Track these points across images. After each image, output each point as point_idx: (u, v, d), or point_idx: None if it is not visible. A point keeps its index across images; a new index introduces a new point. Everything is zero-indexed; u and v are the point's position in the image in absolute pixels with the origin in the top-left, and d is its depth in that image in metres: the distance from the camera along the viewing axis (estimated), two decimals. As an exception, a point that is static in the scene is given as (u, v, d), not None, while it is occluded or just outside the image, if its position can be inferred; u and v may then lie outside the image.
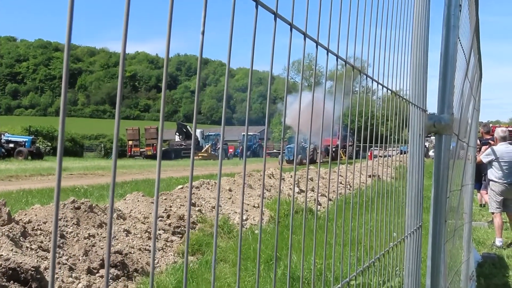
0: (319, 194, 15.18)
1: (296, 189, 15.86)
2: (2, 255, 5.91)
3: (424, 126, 2.39)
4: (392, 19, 1.94)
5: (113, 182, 0.67)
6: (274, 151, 64.77)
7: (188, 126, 71.56)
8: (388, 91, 1.90)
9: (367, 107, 1.74)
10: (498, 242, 10.56)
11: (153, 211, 0.67)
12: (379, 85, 1.75)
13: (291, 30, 1.03)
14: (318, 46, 1.17)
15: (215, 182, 14.15)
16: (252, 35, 0.92)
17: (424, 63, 2.44)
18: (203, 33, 0.78)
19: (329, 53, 1.24)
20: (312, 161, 37.24)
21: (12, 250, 6.23)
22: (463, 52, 3.41)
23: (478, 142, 11.43)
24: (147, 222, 9.42)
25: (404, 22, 2.17)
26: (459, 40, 2.81)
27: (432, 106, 2.56)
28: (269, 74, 1.01)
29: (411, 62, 2.34)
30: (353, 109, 1.63)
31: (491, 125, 19.48)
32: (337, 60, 1.30)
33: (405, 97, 2.26)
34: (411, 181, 2.41)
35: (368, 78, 1.62)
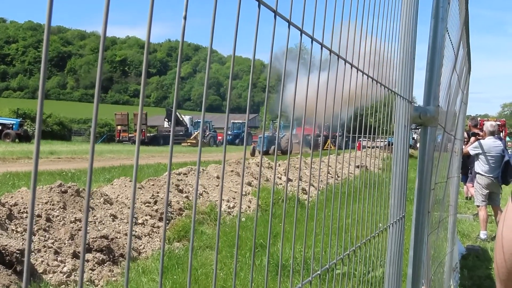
0: (306, 184, 15.22)
1: (284, 178, 15.89)
2: (-13, 237, 5.90)
3: (409, 117, 2.40)
4: (379, 9, 1.94)
5: (90, 169, 0.67)
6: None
7: (177, 113, 71.39)
8: (374, 81, 1.91)
9: (352, 98, 1.75)
10: (483, 235, 10.66)
11: (131, 202, 0.68)
12: (364, 75, 1.76)
13: (275, 17, 1.03)
14: (303, 34, 1.17)
15: (203, 169, 14.17)
16: (235, 22, 0.93)
17: (412, 55, 2.45)
18: (185, 17, 0.78)
19: (313, 42, 1.25)
20: (287, 152, 37.10)
21: (-3, 232, 6.22)
22: (452, 44, 3.43)
23: (466, 135, 11.50)
24: (134, 207, 9.41)
25: (392, 13, 2.17)
26: (448, 33, 2.82)
27: (421, 99, 2.58)
28: (251, 62, 1.01)
29: (398, 53, 2.35)
30: (339, 100, 1.64)
31: (479, 118, 19.61)
32: (321, 48, 1.31)
33: (391, 88, 2.27)
34: (395, 171, 2.43)
35: (353, 68, 1.63)
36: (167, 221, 9.50)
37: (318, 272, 1.53)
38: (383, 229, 2.30)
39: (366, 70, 1.76)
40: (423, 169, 2.42)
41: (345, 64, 1.53)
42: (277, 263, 7.14)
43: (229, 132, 67.53)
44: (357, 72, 1.66)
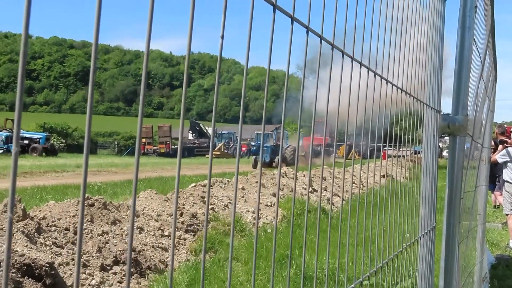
0: (333, 194, 15.16)
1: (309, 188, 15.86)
2: (17, 250, 5.97)
3: (438, 127, 2.38)
4: (407, 20, 1.94)
5: (135, 184, 0.68)
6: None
7: (201, 124, 71.73)
8: (403, 92, 1.90)
9: (382, 108, 1.74)
10: (512, 243, 10.51)
11: (173, 208, 0.68)
12: (393, 86, 1.76)
13: (307, 33, 1.04)
14: (334, 48, 1.18)
15: (228, 181, 14.19)
16: (270, 38, 0.93)
17: (439, 64, 2.44)
18: (222, 37, 0.79)
19: (344, 55, 1.25)
20: (293, 164, 35.17)
21: (27, 246, 6.29)
22: (478, 53, 3.40)
23: (493, 143, 11.37)
24: (160, 219, 9.46)
25: (419, 23, 2.17)
26: (474, 41, 2.80)
27: (447, 107, 2.56)
28: (286, 74, 1.02)
29: (426, 63, 2.34)
30: (367, 109, 1.64)
31: (506, 125, 19.35)
32: (352, 62, 1.31)
33: (419, 97, 2.25)
34: (425, 182, 2.41)
35: (382, 80, 1.63)
36: (193, 233, 9.52)
37: (352, 286, 1.52)
38: (414, 241, 2.28)
39: (395, 81, 1.76)
40: (453, 179, 2.39)
41: (375, 76, 1.53)
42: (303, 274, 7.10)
43: (253, 143, 67.57)
44: (387, 84, 1.66)
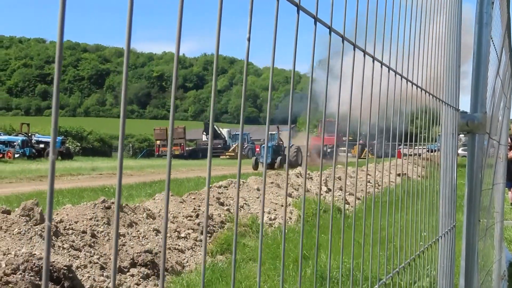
0: (347, 193, 15.13)
1: (324, 188, 15.85)
2: (35, 254, 6.01)
3: (457, 125, 2.37)
4: (425, 17, 1.92)
5: (168, 184, 0.68)
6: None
7: (215, 126, 71.87)
8: (422, 91, 1.89)
9: (402, 105, 1.74)
10: (530, 241, 10.41)
11: (205, 208, 0.68)
12: (413, 85, 1.75)
13: (330, 33, 1.04)
14: (356, 48, 1.18)
15: (243, 182, 14.20)
16: (294, 39, 0.93)
17: (457, 62, 2.42)
18: (249, 39, 0.79)
19: (366, 55, 1.25)
20: (296, 164, 33.12)
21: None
22: (495, 49, 3.37)
23: (509, 140, 11.27)
24: (176, 221, 9.48)
25: (437, 20, 2.15)
26: (491, 38, 2.78)
27: (464, 104, 2.54)
28: (310, 79, 1.02)
29: (443, 61, 2.32)
30: (388, 108, 1.63)
31: (522, 122, 19.17)
32: (373, 62, 1.31)
33: (438, 95, 2.24)
34: (444, 181, 2.39)
35: (402, 79, 1.62)
36: (209, 234, 9.53)
37: (376, 286, 1.51)
38: (435, 240, 2.27)
39: (414, 79, 1.75)
40: (473, 177, 2.38)
41: (395, 75, 1.52)
42: (321, 274, 7.09)
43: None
44: (407, 83, 1.65)
